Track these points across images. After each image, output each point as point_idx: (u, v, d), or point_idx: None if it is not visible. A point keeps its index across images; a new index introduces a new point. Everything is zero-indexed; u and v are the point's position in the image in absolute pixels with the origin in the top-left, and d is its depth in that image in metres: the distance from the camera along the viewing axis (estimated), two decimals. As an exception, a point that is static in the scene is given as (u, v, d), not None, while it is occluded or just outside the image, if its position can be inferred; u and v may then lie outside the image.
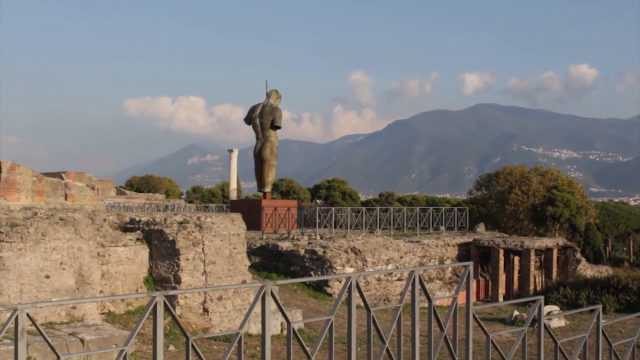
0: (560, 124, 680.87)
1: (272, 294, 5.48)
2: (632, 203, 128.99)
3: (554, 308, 21.78)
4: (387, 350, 6.18)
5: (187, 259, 14.27)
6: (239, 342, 5.45)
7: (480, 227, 35.85)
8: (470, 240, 30.19)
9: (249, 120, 31.03)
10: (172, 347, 12.59)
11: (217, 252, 14.71)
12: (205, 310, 14.29)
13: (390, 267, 24.17)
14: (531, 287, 29.19)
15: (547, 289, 27.82)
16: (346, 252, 23.53)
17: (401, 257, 25.04)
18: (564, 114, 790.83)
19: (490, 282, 29.45)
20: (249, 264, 16.14)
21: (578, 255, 31.75)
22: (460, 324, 6.92)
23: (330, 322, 5.95)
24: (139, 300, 14.24)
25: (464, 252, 29.78)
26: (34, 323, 4.38)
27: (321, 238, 25.70)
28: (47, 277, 11.86)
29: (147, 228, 15.09)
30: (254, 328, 14.27)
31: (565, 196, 42.72)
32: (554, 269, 30.29)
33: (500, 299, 28.70)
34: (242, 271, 15.31)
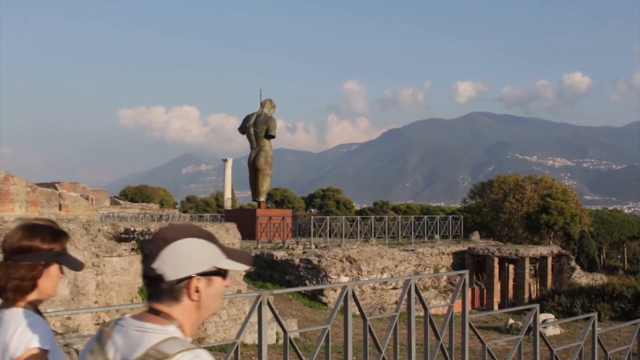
0: (554, 132, 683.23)
1: (268, 304, 5.48)
2: (626, 211, 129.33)
3: (549, 316, 21.79)
4: (384, 359, 6.18)
5: (182, 269, 14.25)
6: (235, 351, 5.45)
7: (475, 236, 35.87)
8: (465, 248, 30.21)
9: (243, 129, 31.01)
10: (167, 358, 12.55)
11: (212, 262, 14.70)
12: (201, 320, 14.26)
13: (385, 275, 24.16)
14: (526, 296, 29.21)
15: (542, 297, 27.84)
16: (341, 261, 23.52)
17: (396, 266, 25.04)
18: (558, 122, 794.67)
19: (485, 291, 29.46)
20: (244, 273, 16.11)
21: (572, 263, 31.80)
22: (456, 332, 6.93)
23: (326, 331, 5.95)
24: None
25: (459, 261, 29.79)
26: (29, 334, 4.37)
27: (316, 247, 25.68)
28: (42, 287, 11.83)
29: (141, 238, 15.06)
30: (249, 337, 14.24)
31: (559, 204, 42.81)
32: (549, 277, 30.32)
33: (495, 307, 28.70)
34: (237, 280, 15.29)
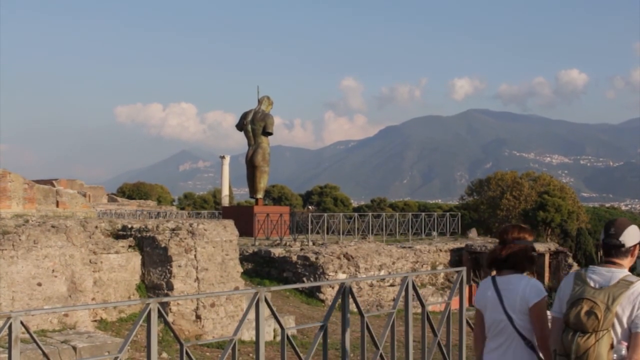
0: (551, 129, 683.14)
1: (265, 301, 5.48)
2: (623, 208, 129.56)
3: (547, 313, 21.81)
4: (381, 356, 6.18)
5: (179, 266, 14.23)
6: (233, 348, 5.45)
7: (472, 233, 35.87)
8: (463, 245, 30.20)
9: (240, 126, 31.00)
10: (164, 355, 12.55)
11: (209, 259, 14.69)
12: (198, 317, 14.26)
13: (382, 272, 24.17)
14: (523, 292, 29.21)
15: (539, 294, 27.84)
16: (338, 258, 23.52)
17: (393, 263, 25.05)
18: (555, 119, 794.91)
19: (482, 288, 29.45)
20: (242, 270, 16.12)
21: (570, 260, 31.80)
22: (454, 329, 6.94)
23: (324, 328, 5.96)
24: (131, 307, 14.20)
25: (456, 258, 29.78)
26: (27, 331, 4.37)
27: (313, 244, 25.68)
28: (39, 284, 11.82)
29: (139, 235, 15.05)
30: (247, 334, 14.24)
31: (556, 201, 42.85)
32: (546, 274, 30.34)
33: (493, 304, 28.68)
34: (235, 278, 15.28)
